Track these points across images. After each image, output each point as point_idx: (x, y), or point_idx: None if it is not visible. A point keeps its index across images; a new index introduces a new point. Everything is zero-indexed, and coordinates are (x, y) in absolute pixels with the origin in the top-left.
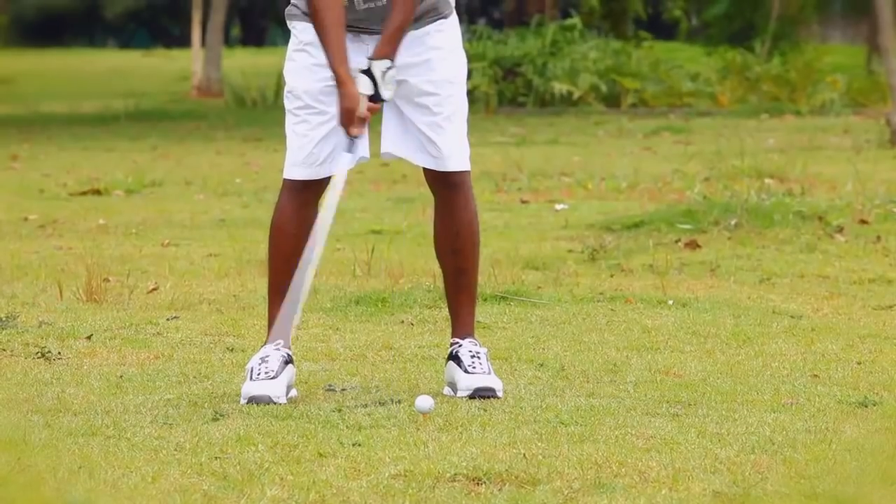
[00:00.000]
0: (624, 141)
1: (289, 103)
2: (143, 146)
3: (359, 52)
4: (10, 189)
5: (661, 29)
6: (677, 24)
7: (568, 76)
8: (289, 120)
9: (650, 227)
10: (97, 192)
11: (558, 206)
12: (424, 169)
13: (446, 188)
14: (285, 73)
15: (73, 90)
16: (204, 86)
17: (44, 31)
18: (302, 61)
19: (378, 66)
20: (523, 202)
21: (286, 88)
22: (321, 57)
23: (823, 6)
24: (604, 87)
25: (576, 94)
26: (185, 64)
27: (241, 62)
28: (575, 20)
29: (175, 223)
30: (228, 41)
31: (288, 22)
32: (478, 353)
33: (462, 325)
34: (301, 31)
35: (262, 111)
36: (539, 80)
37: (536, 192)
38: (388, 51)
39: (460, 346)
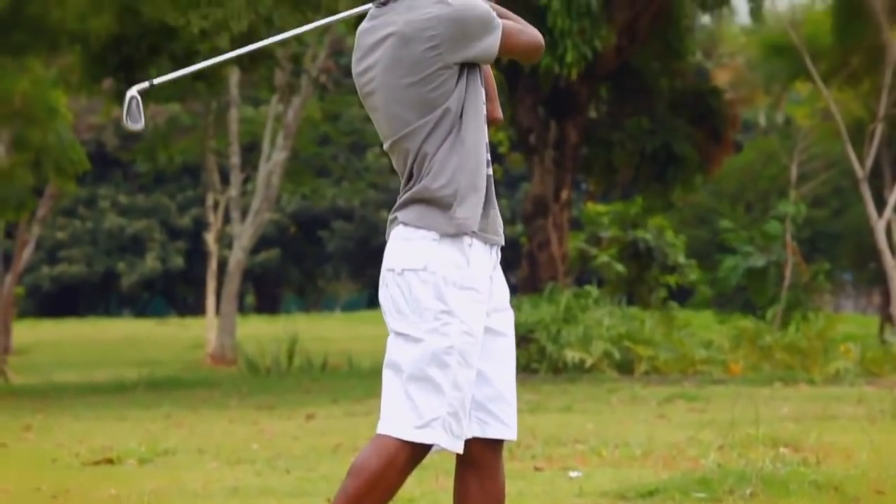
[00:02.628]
0: (638, 408)
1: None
2: (157, 414)
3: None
4: (22, 459)
5: (676, 295)
6: (693, 289)
7: (581, 343)
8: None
9: (665, 496)
10: (110, 462)
11: (572, 474)
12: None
13: (494, 454)
14: (447, 297)
15: (87, 360)
16: (218, 353)
17: (59, 302)
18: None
19: None
20: (537, 469)
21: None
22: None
23: (835, 276)
24: (617, 354)
25: (589, 362)
26: (200, 332)
27: (256, 329)
28: (592, 288)
29: (188, 492)
30: (243, 309)
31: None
32: None
33: None
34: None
35: (276, 378)
36: (552, 346)
37: (550, 460)
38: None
39: None
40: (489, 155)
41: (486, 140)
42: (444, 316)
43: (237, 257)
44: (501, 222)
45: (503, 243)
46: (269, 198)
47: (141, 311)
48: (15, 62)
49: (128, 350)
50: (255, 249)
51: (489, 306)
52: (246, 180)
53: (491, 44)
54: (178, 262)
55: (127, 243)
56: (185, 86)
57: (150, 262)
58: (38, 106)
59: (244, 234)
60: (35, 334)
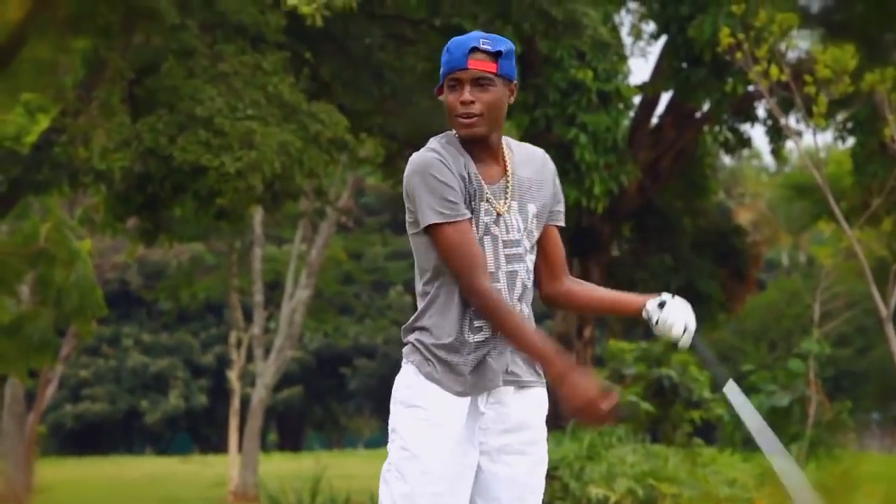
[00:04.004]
0: None
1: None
2: None
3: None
4: None
5: (701, 432)
6: (718, 425)
7: (605, 480)
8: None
9: None
10: None
11: None
12: None
13: None
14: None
15: (110, 498)
16: (240, 491)
17: (82, 440)
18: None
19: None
20: None
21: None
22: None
23: (859, 415)
24: (640, 492)
25: (612, 499)
26: (222, 469)
27: (278, 467)
28: (621, 430)
29: None
30: (265, 446)
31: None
32: None
33: None
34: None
35: None
36: (576, 483)
37: None
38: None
39: None
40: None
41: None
42: (391, 434)
43: (260, 395)
44: (503, 364)
45: (496, 386)
46: (292, 335)
47: (164, 448)
48: (38, 202)
49: (151, 488)
50: (278, 387)
51: (500, 428)
52: (269, 318)
53: (423, 230)
54: (201, 399)
55: (150, 381)
56: (208, 225)
57: (174, 400)
58: (61, 247)
59: (267, 371)
60: (58, 473)
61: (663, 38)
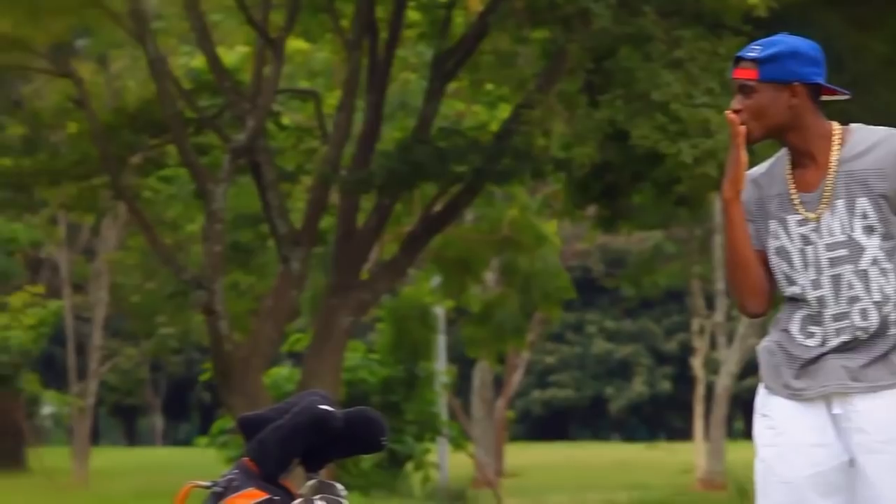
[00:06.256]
0: None
1: None
2: None
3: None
4: None
5: None
6: None
7: None
8: None
9: None
10: None
11: None
12: None
13: None
14: None
15: (578, 483)
16: (707, 479)
17: (549, 426)
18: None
19: None
20: None
21: None
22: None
23: None
24: None
25: None
26: (688, 456)
27: (746, 455)
28: None
29: None
30: (732, 434)
31: None
32: None
33: None
34: None
35: None
36: None
37: None
38: None
39: None
40: (820, 327)
41: (806, 311)
42: None
43: (724, 383)
44: (839, 367)
45: (836, 389)
46: (755, 323)
47: (630, 435)
48: (501, 189)
49: (618, 474)
50: (742, 375)
51: (854, 427)
52: (732, 305)
53: None
54: (665, 386)
55: (615, 368)
56: (668, 212)
57: (638, 387)
58: (526, 233)
59: (730, 359)
60: (527, 458)
61: None
